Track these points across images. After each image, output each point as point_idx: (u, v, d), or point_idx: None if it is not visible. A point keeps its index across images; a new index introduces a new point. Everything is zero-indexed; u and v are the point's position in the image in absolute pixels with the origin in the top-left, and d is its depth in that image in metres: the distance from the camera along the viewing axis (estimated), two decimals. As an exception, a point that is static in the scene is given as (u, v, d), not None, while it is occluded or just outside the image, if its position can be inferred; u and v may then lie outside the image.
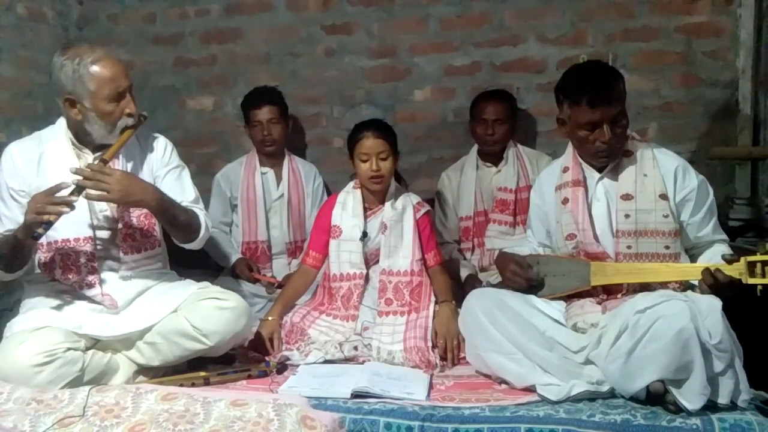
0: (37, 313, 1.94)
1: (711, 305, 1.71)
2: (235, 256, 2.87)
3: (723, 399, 1.68)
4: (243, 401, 1.70)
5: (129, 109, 1.98)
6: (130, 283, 2.06)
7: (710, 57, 2.88)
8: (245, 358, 2.19)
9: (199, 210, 2.15)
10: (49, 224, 1.79)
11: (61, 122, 2.08)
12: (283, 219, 2.92)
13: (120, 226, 2.05)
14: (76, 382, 1.83)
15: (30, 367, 1.78)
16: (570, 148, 2.12)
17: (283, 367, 2.13)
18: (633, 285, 1.94)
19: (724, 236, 2.05)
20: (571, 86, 1.98)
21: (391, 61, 3.14)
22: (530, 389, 1.85)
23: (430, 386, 1.95)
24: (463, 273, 2.70)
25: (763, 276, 1.71)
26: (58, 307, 1.98)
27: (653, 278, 1.91)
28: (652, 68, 2.92)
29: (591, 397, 1.79)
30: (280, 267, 2.90)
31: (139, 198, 1.92)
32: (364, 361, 2.14)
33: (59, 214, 1.77)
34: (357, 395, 1.84)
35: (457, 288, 2.50)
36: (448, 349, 2.16)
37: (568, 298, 2.03)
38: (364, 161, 2.33)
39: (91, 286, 2.01)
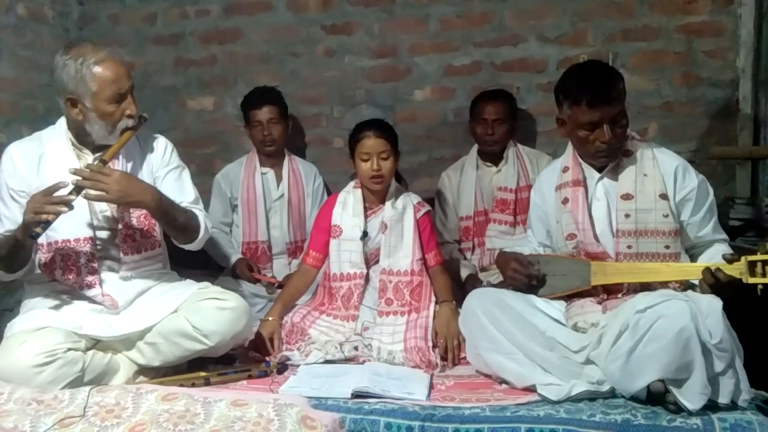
0: (38, 314, 1.94)
1: (711, 305, 1.71)
2: (235, 257, 2.87)
3: (723, 399, 1.67)
4: (243, 401, 1.70)
5: (130, 110, 1.98)
6: (130, 283, 2.06)
7: (710, 57, 2.88)
8: (245, 359, 2.19)
9: (198, 211, 2.15)
10: (47, 224, 1.79)
11: (62, 122, 2.08)
12: (284, 219, 2.92)
13: (120, 226, 2.04)
14: (76, 383, 1.83)
15: (30, 368, 1.78)
16: (570, 148, 2.12)
17: (283, 367, 2.13)
18: (633, 285, 1.94)
19: (725, 236, 2.04)
20: (571, 86, 1.98)
21: (391, 61, 3.14)
22: (531, 389, 1.85)
23: (431, 386, 1.95)
24: (464, 273, 2.71)
25: (764, 275, 1.71)
26: (59, 308, 1.98)
27: (653, 278, 1.90)
28: (652, 68, 2.92)
29: (591, 396, 1.79)
30: (280, 267, 2.90)
31: (138, 198, 1.92)
32: (364, 361, 2.14)
33: (57, 214, 1.77)
34: (357, 395, 1.84)
35: (457, 288, 2.50)
36: (449, 349, 2.16)
37: (569, 297, 2.03)
38: (365, 161, 2.33)
39: (91, 286, 2.00)
